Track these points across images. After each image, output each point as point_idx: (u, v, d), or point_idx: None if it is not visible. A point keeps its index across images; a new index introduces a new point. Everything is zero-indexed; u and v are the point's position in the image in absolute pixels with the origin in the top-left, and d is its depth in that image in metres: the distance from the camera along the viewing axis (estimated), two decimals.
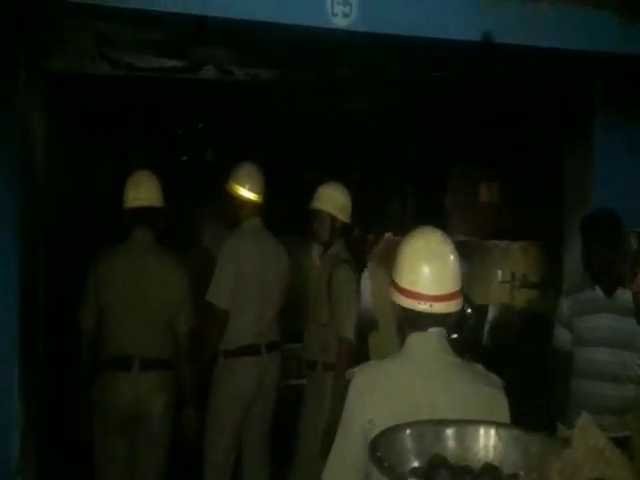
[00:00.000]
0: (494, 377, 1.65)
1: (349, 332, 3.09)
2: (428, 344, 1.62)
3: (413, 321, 1.63)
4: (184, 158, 5.68)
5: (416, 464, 1.22)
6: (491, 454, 1.25)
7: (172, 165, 5.09)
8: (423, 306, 1.60)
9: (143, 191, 3.10)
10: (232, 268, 3.14)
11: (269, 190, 3.34)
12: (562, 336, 2.70)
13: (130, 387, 2.92)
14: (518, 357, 3.99)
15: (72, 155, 3.87)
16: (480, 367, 1.67)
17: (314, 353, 3.23)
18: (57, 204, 3.38)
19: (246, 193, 3.26)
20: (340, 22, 2.21)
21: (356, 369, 1.66)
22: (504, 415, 1.58)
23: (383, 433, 1.24)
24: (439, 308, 1.61)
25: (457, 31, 2.36)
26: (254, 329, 3.19)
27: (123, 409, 2.93)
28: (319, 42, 2.45)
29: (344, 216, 3.29)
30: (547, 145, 3.77)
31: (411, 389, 1.56)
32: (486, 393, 1.59)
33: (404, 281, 1.62)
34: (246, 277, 3.17)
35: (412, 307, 1.61)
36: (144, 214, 3.07)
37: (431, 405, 1.51)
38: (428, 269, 1.61)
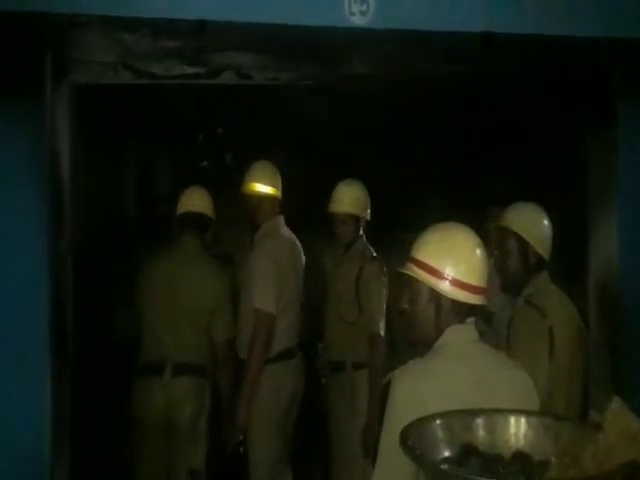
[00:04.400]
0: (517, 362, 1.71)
1: (380, 328, 3.09)
2: (468, 336, 1.63)
3: (455, 313, 1.62)
4: (205, 163, 5.73)
5: (447, 454, 1.23)
6: (522, 441, 1.26)
7: (194, 170, 5.14)
8: (479, 298, 1.62)
9: (194, 198, 3.19)
10: (274, 272, 3.04)
11: (290, 190, 3.33)
12: None
13: (163, 392, 2.95)
14: None
15: (97, 165, 3.94)
16: (503, 353, 1.74)
17: (341, 353, 3.21)
18: (84, 215, 3.45)
19: (262, 188, 3.21)
20: (358, 21, 2.22)
21: (396, 372, 1.60)
22: (535, 397, 1.62)
23: (413, 424, 1.25)
24: (484, 299, 1.64)
25: (478, 24, 2.34)
26: (292, 332, 3.14)
27: (157, 415, 2.95)
28: (337, 41, 2.46)
29: (367, 214, 3.29)
30: (569, 132, 3.72)
31: (461, 385, 1.55)
32: (522, 377, 1.63)
33: (462, 273, 1.60)
34: (286, 279, 3.10)
35: (465, 300, 1.60)
36: (193, 220, 3.13)
37: (485, 396, 1.50)
38: (482, 261, 1.63)
